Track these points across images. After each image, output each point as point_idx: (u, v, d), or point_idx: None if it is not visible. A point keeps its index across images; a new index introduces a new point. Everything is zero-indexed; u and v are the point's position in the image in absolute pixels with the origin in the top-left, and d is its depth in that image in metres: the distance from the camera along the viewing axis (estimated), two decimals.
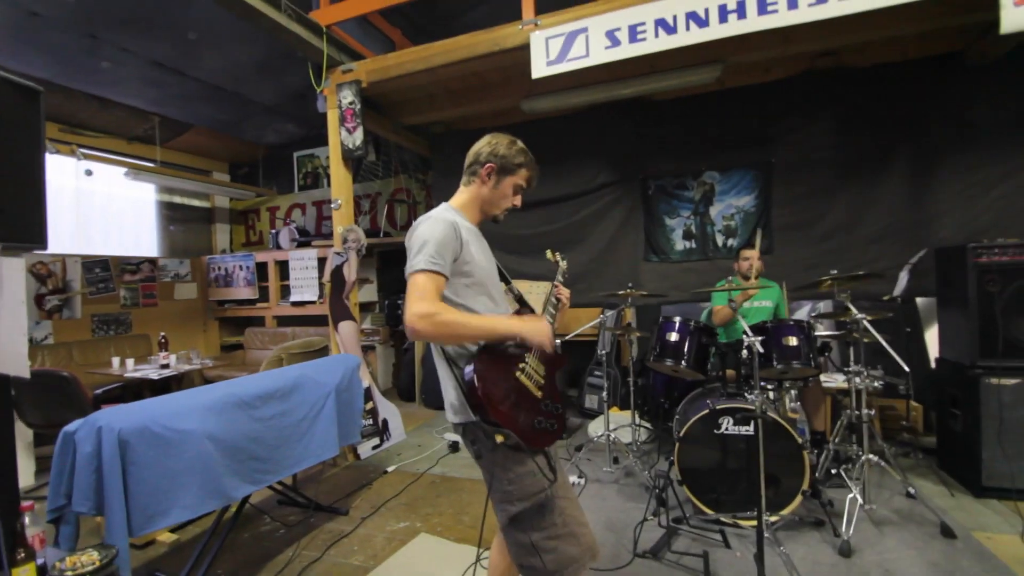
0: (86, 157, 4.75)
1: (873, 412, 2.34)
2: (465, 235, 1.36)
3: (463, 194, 1.49)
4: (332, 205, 3.67)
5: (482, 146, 1.46)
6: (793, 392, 2.78)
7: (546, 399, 1.37)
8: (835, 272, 2.43)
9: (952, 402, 2.70)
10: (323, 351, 3.77)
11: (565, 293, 1.59)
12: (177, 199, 6.32)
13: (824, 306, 4.28)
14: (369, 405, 3.40)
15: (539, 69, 3.04)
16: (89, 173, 4.85)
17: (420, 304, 1.22)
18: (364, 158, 3.78)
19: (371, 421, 3.38)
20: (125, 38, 4.12)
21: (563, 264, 1.75)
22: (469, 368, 1.28)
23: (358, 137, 3.60)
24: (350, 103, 3.59)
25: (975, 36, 3.38)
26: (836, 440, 2.66)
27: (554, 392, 1.42)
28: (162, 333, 4.42)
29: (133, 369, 4.23)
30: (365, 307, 5.79)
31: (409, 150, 5.03)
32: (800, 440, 2.18)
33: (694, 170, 4.16)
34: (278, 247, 5.93)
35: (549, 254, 1.77)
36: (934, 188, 3.63)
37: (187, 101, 5.23)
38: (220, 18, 4.02)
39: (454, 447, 3.38)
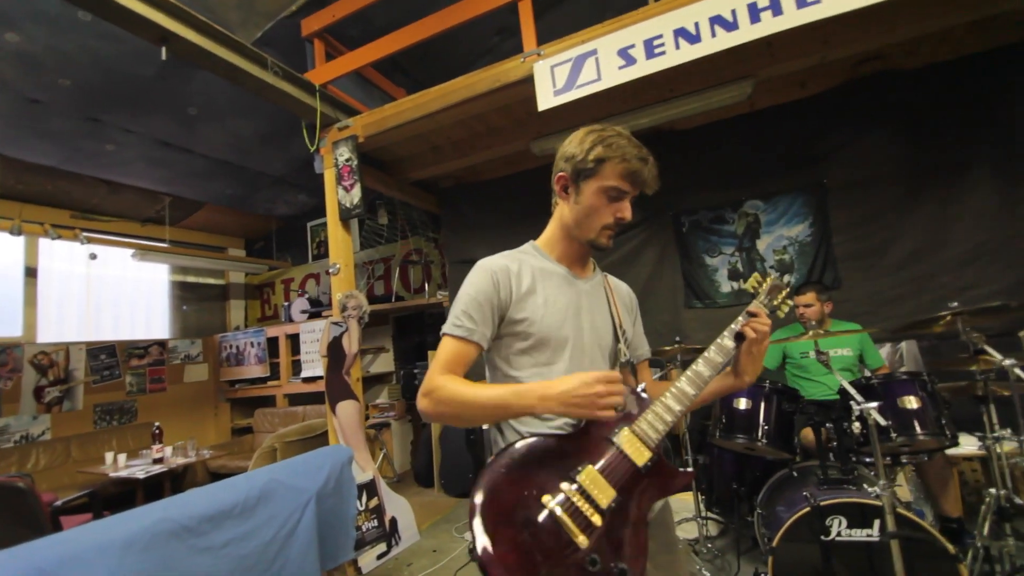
0: (90, 241, 4.63)
1: None
2: (529, 281, 1.07)
3: (549, 225, 1.19)
4: (330, 270, 3.32)
5: (557, 154, 1.16)
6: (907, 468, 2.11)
7: (594, 551, 0.86)
8: (955, 305, 1.84)
9: None
10: (326, 436, 3.29)
11: (758, 326, 1.05)
12: (191, 278, 6.19)
13: (908, 348, 3.58)
14: (373, 502, 2.85)
15: (545, 100, 2.69)
16: (93, 257, 4.72)
17: (427, 378, 1.00)
18: (364, 217, 3.48)
19: (376, 523, 2.82)
20: (126, 119, 4.08)
21: (765, 284, 1.15)
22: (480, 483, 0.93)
23: (356, 195, 3.30)
24: (347, 160, 3.33)
25: None
26: (984, 534, 1.94)
27: (627, 539, 0.89)
28: (156, 423, 4.05)
29: (124, 466, 3.84)
30: (380, 378, 5.34)
31: (418, 208, 4.75)
32: (953, 549, 1.51)
33: (732, 201, 3.66)
34: (290, 320, 5.64)
35: (753, 282, 1.17)
36: None
37: (196, 179, 5.18)
38: (218, 91, 3.95)
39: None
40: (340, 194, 3.33)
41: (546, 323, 1.04)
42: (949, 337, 3.19)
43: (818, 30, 2.81)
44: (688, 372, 1.03)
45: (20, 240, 4.48)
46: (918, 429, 1.70)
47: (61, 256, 4.90)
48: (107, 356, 4.93)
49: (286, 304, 5.86)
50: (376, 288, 5.56)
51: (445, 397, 0.96)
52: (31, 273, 4.65)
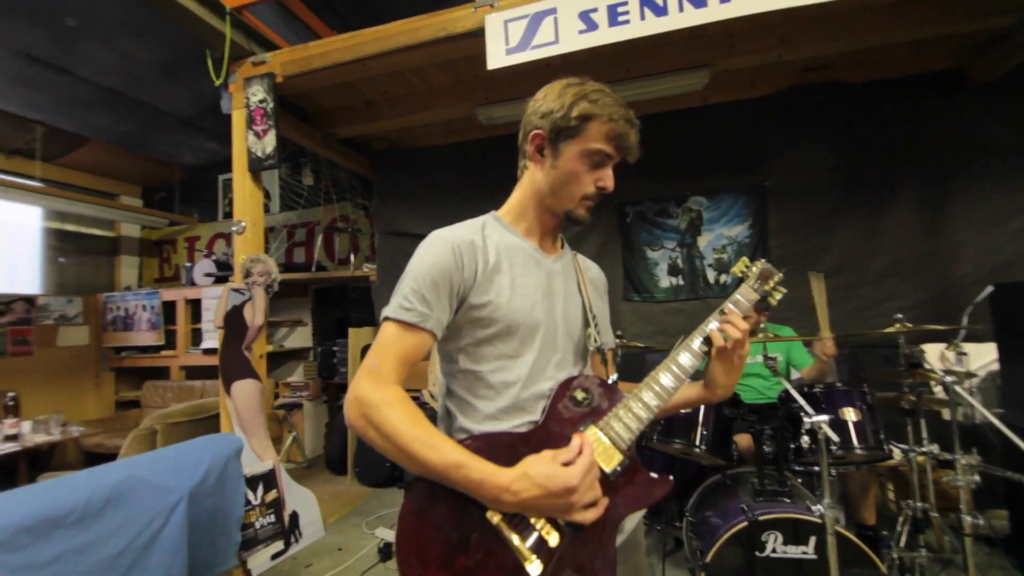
0: None
1: (981, 521, 1.65)
2: (494, 257, 0.89)
3: (515, 192, 1.00)
4: (234, 228, 2.87)
5: (528, 109, 0.95)
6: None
7: None
8: (900, 316, 1.82)
9: None
10: (218, 418, 2.87)
11: (730, 330, 0.88)
12: (71, 227, 5.31)
13: None
14: (271, 495, 2.51)
15: (496, 58, 2.41)
16: None
17: (364, 381, 0.78)
18: (279, 170, 3.05)
19: (273, 518, 2.48)
20: None
21: (755, 268, 0.96)
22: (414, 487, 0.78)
23: (269, 143, 2.85)
24: (260, 101, 2.86)
25: (974, 52, 3.03)
26: (900, 545, 1.96)
27: (592, 563, 0.75)
28: (10, 393, 3.41)
29: None
30: (296, 354, 4.89)
31: (347, 170, 4.30)
32: (885, 567, 1.48)
33: (677, 195, 3.59)
34: (192, 283, 5.00)
35: (741, 265, 0.98)
36: (948, 217, 3.18)
37: (78, 107, 4.36)
38: (105, 1, 3.28)
39: (386, 552, 2.51)
40: (250, 140, 2.87)
41: (514, 307, 0.87)
42: (875, 346, 3.30)
43: (776, 27, 2.77)
44: (667, 362, 0.89)
45: None
46: (856, 442, 1.66)
47: None
48: None
49: (188, 265, 5.19)
50: (296, 255, 5.05)
51: (384, 425, 0.75)
52: None
